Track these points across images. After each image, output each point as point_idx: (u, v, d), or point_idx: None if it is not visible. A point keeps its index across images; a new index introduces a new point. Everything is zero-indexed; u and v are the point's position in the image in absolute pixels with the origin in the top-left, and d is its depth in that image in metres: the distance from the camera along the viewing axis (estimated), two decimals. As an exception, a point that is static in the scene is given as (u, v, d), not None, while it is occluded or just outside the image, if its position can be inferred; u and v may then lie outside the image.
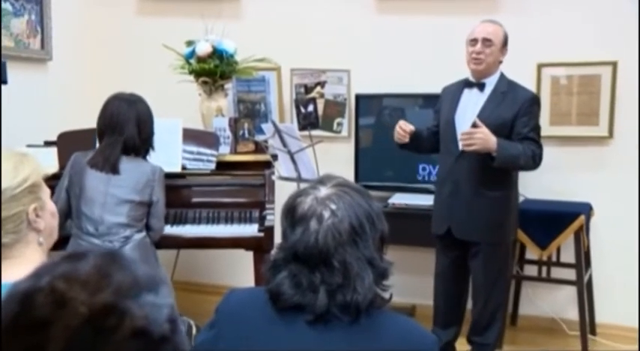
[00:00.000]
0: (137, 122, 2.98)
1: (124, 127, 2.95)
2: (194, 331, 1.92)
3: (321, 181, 1.44)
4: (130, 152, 2.98)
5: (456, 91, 3.33)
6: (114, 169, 2.93)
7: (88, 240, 2.90)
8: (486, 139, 2.99)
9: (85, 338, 0.72)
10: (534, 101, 3.24)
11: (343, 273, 1.32)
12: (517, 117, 3.13)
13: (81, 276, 0.78)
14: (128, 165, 2.96)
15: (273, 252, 1.42)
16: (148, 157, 3.10)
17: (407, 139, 3.27)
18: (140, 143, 3.01)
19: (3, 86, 3.19)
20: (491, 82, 3.22)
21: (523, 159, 3.10)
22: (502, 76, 3.24)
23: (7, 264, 1.48)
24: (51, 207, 1.64)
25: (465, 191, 3.21)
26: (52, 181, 3.15)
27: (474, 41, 3.19)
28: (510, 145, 3.07)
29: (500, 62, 3.24)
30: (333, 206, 1.35)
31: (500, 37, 3.19)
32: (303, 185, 1.47)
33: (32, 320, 0.74)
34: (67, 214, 3.00)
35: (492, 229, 3.22)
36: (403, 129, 3.26)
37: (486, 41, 3.16)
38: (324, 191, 1.39)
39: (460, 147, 3.18)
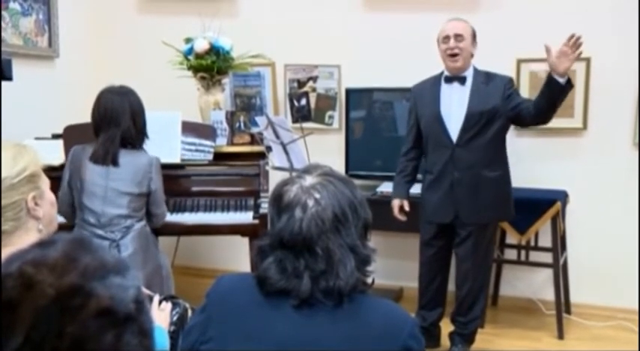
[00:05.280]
0: (131, 114, 2.92)
1: (120, 120, 2.89)
2: (189, 313, 1.88)
3: (307, 170, 1.41)
4: (127, 144, 2.93)
5: (432, 87, 3.29)
6: (114, 162, 2.87)
7: (91, 230, 2.86)
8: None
9: (52, 317, 0.73)
10: (513, 82, 3.32)
11: (326, 259, 1.29)
12: (504, 98, 3.16)
13: (49, 261, 0.78)
14: (127, 158, 2.91)
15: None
16: (145, 147, 3.05)
17: (407, 209, 3.37)
18: (136, 134, 2.95)
19: (12, 82, 3.15)
20: (470, 74, 3.22)
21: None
22: (475, 68, 3.24)
23: (7, 251, 1.46)
24: (50, 196, 1.62)
25: (468, 178, 3.18)
26: (58, 172, 3.13)
27: (446, 38, 3.17)
28: None
29: (472, 56, 3.23)
30: (317, 195, 1.32)
31: (469, 31, 3.19)
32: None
33: (2, 302, 0.74)
34: (72, 205, 2.98)
35: (499, 206, 3.26)
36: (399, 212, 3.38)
37: (458, 36, 3.15)
38: (309, 180, 1.36)
39: (452, 139, 3.17)
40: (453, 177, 3.20)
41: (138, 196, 2.93)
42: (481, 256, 3.28)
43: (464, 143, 3.16)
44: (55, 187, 1.67)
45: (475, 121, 3.14)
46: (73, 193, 2.93)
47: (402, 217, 3.38)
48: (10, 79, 2.69)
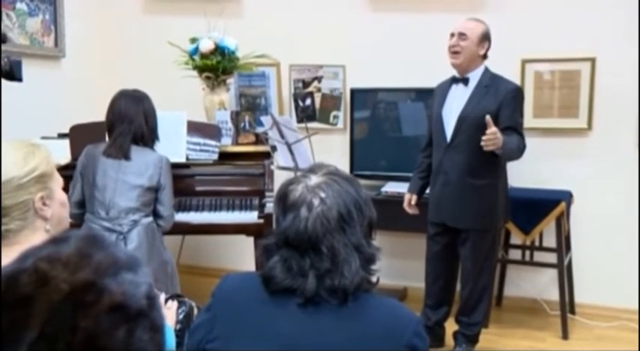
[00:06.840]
0: (144, 115, 3.02)
1: (133, 119, 2.98)
2: (195, 312, 1.89)
3: (312, 169, 1.42)
4: (138, 142, 3.00)
5: (445, 87, 3.30)
6: (126, 156, 2.95)
7: (100, 223, 2.91)
8: (500, 138, 2.94)
9: (65, 312, 0.73)
10: (517, 93, 3.19)
11: (331, 258, 1.29)
12: (500, 108, 3.09)
13: (62, 257, 0.79)
14: (137, 153, 2.98)
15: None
16: (155, 148, 3.11)
17: (414, 203, 3.42)
18: (148, 132, 3.03)
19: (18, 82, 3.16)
20: (475, 77, 3.19)
21: (516, 153, 3.12)
22: (486, 70, 3.20)
23: (13, 249, 1.46)
24: (60, 196, 1.61)
25: (454, 181, 3.18)
26: (64, 171, 3.14)
27: (451, 35, 3.18)
28: (509, 141, 3.01)
29: (484, 57, 3.20)
30: (323, 194, 1.33)
31: (477, 32, 3.15)
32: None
33: (16, 297, 0.75)
34: (82, 204, 3.02)
35: (481, 216, 3.20)
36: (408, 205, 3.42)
37: (462, 35, 3.14)
38: (314, 180, 1.37)
39: (447, 139, 3.18)
40: (442, 178, 3.23)
41: (147, 189, 2.97)
42: (481, 259, 3.27)
43: (455, 146, 3.16)
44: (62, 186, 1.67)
45: (467, 125, 3.12)
46: (84, 189, 2.99)
47: (410, 211, 3.41)
48: (20, 80, 2.70)
